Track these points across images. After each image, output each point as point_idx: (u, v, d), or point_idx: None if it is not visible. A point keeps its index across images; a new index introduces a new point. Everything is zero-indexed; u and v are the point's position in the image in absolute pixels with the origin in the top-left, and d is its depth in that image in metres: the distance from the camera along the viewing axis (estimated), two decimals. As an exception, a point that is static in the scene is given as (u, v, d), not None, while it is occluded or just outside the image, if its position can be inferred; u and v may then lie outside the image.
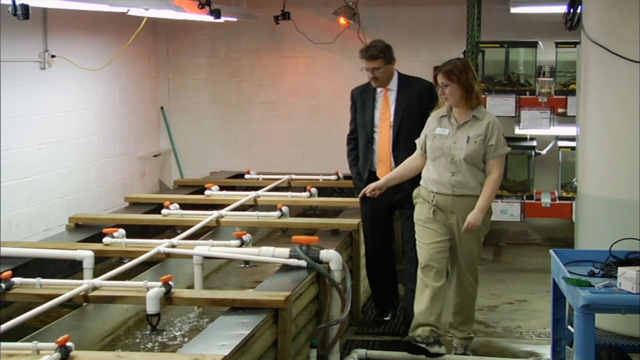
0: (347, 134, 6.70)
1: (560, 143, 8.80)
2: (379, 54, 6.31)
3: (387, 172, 6.28)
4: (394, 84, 6.43)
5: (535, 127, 8.54)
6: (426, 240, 5.77)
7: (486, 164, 5.69)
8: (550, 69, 8.69)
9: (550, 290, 4.90)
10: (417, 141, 5.96)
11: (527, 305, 7.42)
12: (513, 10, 8.64)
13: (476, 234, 5.75)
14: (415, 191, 5.90)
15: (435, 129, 5.76)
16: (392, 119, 6.37)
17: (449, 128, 5.71)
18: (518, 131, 8.72)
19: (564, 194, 8.61)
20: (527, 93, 8.65)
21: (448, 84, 5.62)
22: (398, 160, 6.27)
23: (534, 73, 8.76)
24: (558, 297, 4.78)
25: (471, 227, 5.61)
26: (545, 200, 8.68)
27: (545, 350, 6.02)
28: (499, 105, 8.56)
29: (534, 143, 9.00)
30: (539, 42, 8.79)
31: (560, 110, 8.48)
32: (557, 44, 8.64)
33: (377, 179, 6.31)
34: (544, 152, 9.10)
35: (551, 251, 4.75)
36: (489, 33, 9.22)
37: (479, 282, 6.00)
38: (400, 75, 6.49)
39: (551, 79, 8.62)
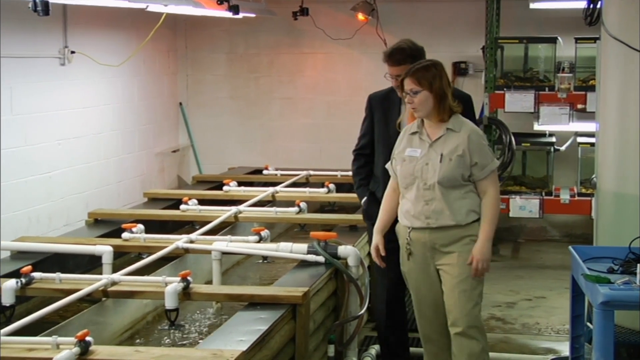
0: (354, 148, 5.61)
1: (580, 139, 8.77)
2: (406, 58, 5.16)
3: None
4: None
5: (555, 123, 8.52)
6: (415, 295, 4.86)
7: (477, 185, 4.66)
8: (570, 64, 8.66)
9: (569, 287, 4.88)
10: (388, 166, 4.93)
11: (545, 301, 7.40)
12: (532, 5, 8.61)
13: (469, 269, 4.64)
14: (396, 228, 4.88)
15: (405, 150, 4.75)
16: None
17: (420, 147, 4.70)
18: (537, 127, 8.70)
19: (583, 190, 8.59)
20: (546, 89, 8.63)
21: (418, 90, 4.61)
22: None
23: (553, 69, 8.75)
24: (577, 294, 4.76)
25: (481, 265, 4.59)
26: (564, 196, 8.65)
27: (564, 347, 6.00)
28: (518, 101, 8.55)
29: (553, 139, 8.98)
30: (559, 37, 8.76)
31: (579, 106, 8.46)
32: (576, 39, 8.61)
33: None
34: (563, 148, 9.08)
35: (570, 248, 4.73)
36: (508, 29, 9.18)
37: (481, 323, 4.78)
38: None
39: (570, 74, 8.59)
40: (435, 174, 4.61)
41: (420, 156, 4.67)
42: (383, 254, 4.87)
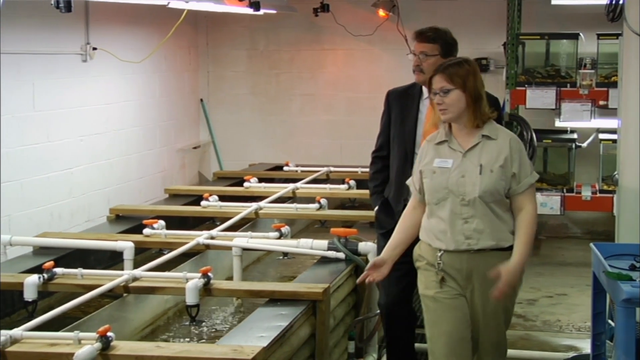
0: (373, 150, 5.17)
1: (601, 136, 8.72)
2: (437, 39, 4.77)
3: None
4: None
5: (576, 119, 8.47)
6: (441, 327, 4.11)
7: (512, 200, 4.10)
8: (592, 60, 8.62)
9: (590, 284, 4.86)
10: (409, 182, 4.34)
11: (566, 299, 7.38)
12: (554, 1, 8.57)
13: (504, 302, 4.10)
14: (416, 249, 4.24)
15: (433, 161, 4.14)
16: None
17: (451, 157, 4.11)
18: (558, 124, 8.66)
19: (605, 187, 8.54)
20: (568, 85, 8.59)
21: (450, 88, 4.04)
22: None
23: (575, 65, 8.70)
24: (598, 291, 4.74)
25: (506, 284, 3.95)
26: (586, 193, 8.61)
27: (585, 345, 5.97)
28: (539, 97, 8.51)
29: (575, 136, 8.94)
30: (580, 33, 8.71)
31: (601, 102, 8.40)
32: (598, 35, 8.56)
33: None
34: (584, 144, 9.04)
35: (592, 244, 4.71)
36: (530, 25, 9.15)
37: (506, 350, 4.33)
38: None
39: (592, 71, 8.55)
40: (476, 188, 4.03)
41: (453, 167, 4.09)
42: (379, 277, 4.25)
